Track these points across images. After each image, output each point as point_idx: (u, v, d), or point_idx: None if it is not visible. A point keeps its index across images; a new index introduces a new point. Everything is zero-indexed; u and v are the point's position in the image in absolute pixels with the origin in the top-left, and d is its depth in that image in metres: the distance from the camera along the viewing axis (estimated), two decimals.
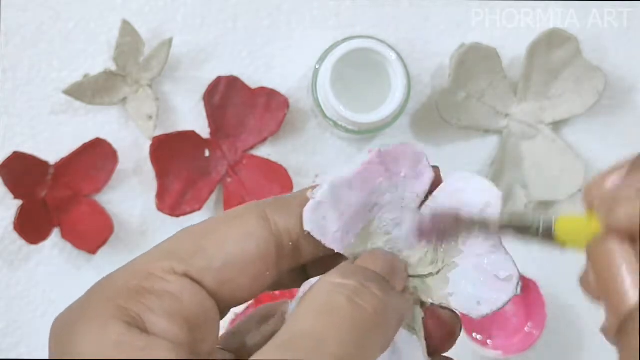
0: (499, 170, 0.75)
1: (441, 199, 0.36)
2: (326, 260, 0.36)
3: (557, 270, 0.76)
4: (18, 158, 0.71)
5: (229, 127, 0.74)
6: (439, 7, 0.75)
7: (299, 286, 0.35)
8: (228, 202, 0.74)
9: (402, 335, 0.35)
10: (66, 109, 0.74)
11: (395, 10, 0.75)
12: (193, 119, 0.75)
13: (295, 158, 0.75)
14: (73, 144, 0.73)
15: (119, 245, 0.74)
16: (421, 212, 0.36)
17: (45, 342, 0.32)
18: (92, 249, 0.73)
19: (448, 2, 0.75)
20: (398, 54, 0.69)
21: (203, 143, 0.74)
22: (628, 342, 0.30)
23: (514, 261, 0.36)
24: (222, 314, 0.33)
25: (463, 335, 0.73)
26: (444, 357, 0.37)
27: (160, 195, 0.73)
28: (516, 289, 0.36)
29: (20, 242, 0.72)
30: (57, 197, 0.73)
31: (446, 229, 0.35)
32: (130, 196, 0.75)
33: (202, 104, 0.74)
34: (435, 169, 0.36)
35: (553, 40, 0.72)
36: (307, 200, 0.34)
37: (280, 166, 0.74)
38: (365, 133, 0.71)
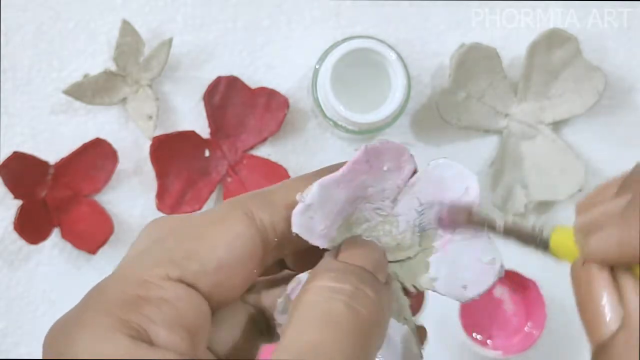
0: (499, 170, 0.75)
1: (423, 186, 0.36)
2: (305, 250, 0.36)
3: (557, 270, 0.76)
4: (18, 158, 0.71)
5: (229, 127, 0.74)
6: (439, 7, 0.75)
7: (273, 274, 0.35)
8: None
9: (393, 325, 0.36)
10: (66, 109, 0.74)
11: (395, 10, 0.75)
12: (193, 119, 0.75)
13: (295, 158, 0.75)
14: (73, 144, 0.73)
15: (119, 245, 0.74)
16: (439, 204, 0.36)
17: None
18: (92, 249, 0.73)
19: (448, 2, 0.75)
20: (398, 54, 0.69)
21: (203, 143, 0.74)
22: None
23: (495, 245, 0.36)
24: (217, 310, 0.33)
25: (463, 335, 0.73)
26: (419, 326, 0.37)
27: (160, 195, 0.73)
28: (500, 272, 0.37)
29: (20, 242, 0.72)
30: (57, 197, 0.73)
31: (459, 222, 0.36)
32: (130, 196, 0.75)
33: (202, 104, 0.74)
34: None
35: (553, 40, 0.72)
36: (290, 194, 0.34)
37: (280, 166, 0.74)
38: (365, 133, 0.71)
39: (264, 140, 0.75)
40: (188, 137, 0.73)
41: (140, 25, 0.73)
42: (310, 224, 0.34)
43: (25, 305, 0.75)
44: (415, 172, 0.36)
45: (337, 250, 0.35)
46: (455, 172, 0.36)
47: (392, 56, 0.69)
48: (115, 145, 0.73)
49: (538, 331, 0.73)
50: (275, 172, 0.74)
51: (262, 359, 0.37)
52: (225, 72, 0.73)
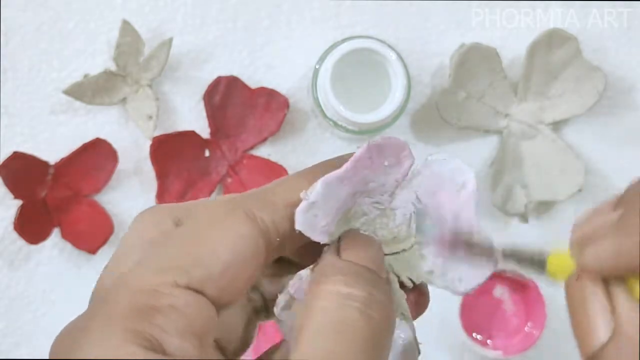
0: (499, 171, 0.75)
1: (421, 180, 0.36)
2: (302, 245, 0.36)
3: None
4: (18, 158, 0.71)
5: (229, 127, 0.74)
6: (439, 7, 0.75)
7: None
8: None
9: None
10: (66, 109, 0.74)
11: (395, 10, 0.75)
12: (193, 119, 0.75)
13: (295, 158, 0.75)
14: (73, 144, 0.73)
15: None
16: (441, 222, 0.37)
17: (45, 342, 0.32)
18: (92, 249, 0.73)
19: (448, 2, 0.75)
20: (398, 54, 0.69)
21: (203, 143, 0.74)
22: None
23: (490, 238, 0.36)
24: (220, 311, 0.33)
25: (463, 335, 0.73)
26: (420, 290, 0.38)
27: (160, 195, 0.73)
28: (495, 264, 0.36)
29: (20, 242, 0.72)
30: (57, 197, 0.73)
31: (458, 245, 0.36)
32: (130, 196, 0.75)
33: (202, 104, 0.74)
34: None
35: (553, 40, 0.72)
36: (291, 193, 0.34)
37: (280, 166, 0.74)
38: (365, 133, 0.71)
39: (264, 140, 0.75)
40: (188, 137, 0.73)
41: (140, 25, 0.73)
42: (314, 221, 0.34)
43: (25, 305, 0.75)
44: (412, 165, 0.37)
45: (337, 245, 0.35)
46: (452, 166, 0.36)
47: (392, 56, 0.69)
48: (115, 145, 0.73)
49: (538, 331, 0.73)
50: (275, 172, 0.74)
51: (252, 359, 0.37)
52: (225, 72, 0.73)
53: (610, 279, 0.32)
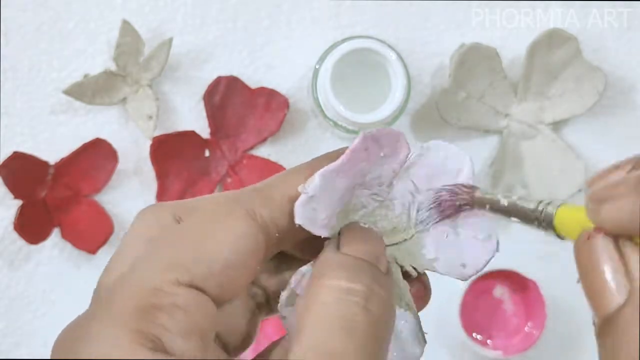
0: (499, 171, 0.75)
1: (417, 168, 0.36)
2: (303, 240, 0.36)
3: (557, 270, 0.76)
4: (18, 158, 0.71)
5: (229, 127, 0.74)
6: (439, 7, 0.75)
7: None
8: None
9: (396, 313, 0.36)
10: (66, 109, 0.74)
11: (395, 10, 0.75)
12: (193, 119, 0.75)
13: (295, 158, 0.75)
14: (73, 144, 0.73)
15: None
16: (437, 188, 0.36)
17: (45, 342, 0.32)
18: (92, 249, 0.73)
19: (448, 2, 0.75)
20: (398, 54, 0.69)
21: (203, 143, 0.74)
22: (605, 344, 0.31)
23: (489, 221, 0.36)
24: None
25: (463, 335, 0.73)
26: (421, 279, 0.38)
27: (160, 195, 0.73)
28: (496, 248, 0.37)
29: (20, 242, 0.72)
30: (57, 197, 0.73)
31: (462, 204, 0.36)
32: (130, 196, 0.75)
33: (202, 104, 0.74)
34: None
35: (553, 40, 0.72)
36: (289, 188, 0.34)
37: (280, 166, 0.74)
38: None
39: (264, 140, 0.75)
40: (188, 137, 0.73)
41: (140, 25, 0.73)
42: (313, 215, 0.34)
43: (25, 305, 0.75)
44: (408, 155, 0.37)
45: (337, 239, 0.35)
46: (449, 153, 0.36)
47: (392, 56, 0.69)
48: (115, 145, 0.73)
49: (538, 331, 0.73)
50: (275, 172, 0.73)
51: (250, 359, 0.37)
52: (225, 72, 0.73)
53: (621, 239, 0.31)
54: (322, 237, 0.35)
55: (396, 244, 0.37)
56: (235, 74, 0.73)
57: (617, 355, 0.30)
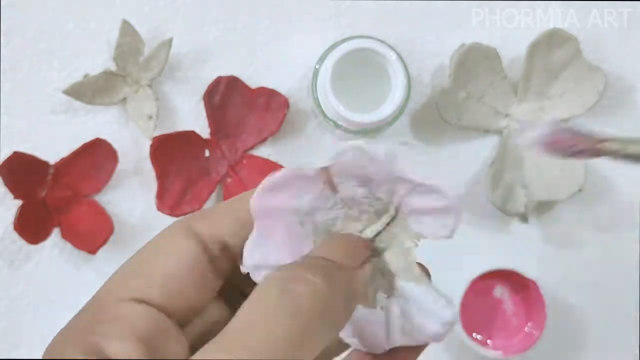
0: (499, 171, 0.75)
1: (344, 165, 0.38)
2: None
3: (557, 270, 0.76)
4: (18, 158, 0.71)
5: (229, 127, 0.74)
6: (439, 7, 0.75)
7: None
8: None
9: (408, 288, 0.36)
10: (66, 109, 0.74)
11: (395, 10, 0.75)
12: (193, 119, 0.75)
13: (295, 158, 0.75)
14: (73, 144, 0.73)
15: (119, 245, 0.74)
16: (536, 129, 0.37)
17: (45, 342, 0.32)
18: (92, 249, 0.73)
19: (448, 2, 0.75)
20: (398, 54, 0.69)
21: (203, 143, 0.74)
22: None
23: (439, 187, 0.36)
24: (187, 322, 0.35)
25: (463, 335, 0.73)
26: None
27: (160, 195, 0.73)
28: (459, 202, 0.37)
29: (20, 242, 0.72)
30: (57, 197, 0.73)
31: (568, 143, 0.36)
32: (130, 196, 0.75)
33: (202, 104, 0.74)
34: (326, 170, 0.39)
35: (553, 40, 0.72)
36: (230, 204, 0.36)
37: (280, 166, 0.74)
38: (366, 133, 0.71)
39: (264, 140, 0.75)
40: (188, 137, 0.73)
41: (140, 25, 0.73)
42: (262, 259, 0.35)
43: (25, 305, 0.75)
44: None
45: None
46: (356, 144, 0.37)
47: (392, 56, 0.69)
48: (115, 145, 0.73)
49: (538, 331, 0.73)
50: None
51: None
52: (225, 72, 0.73)
53: None
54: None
55: (381, 232, 0.37)
56: (235, 74, 0.73)
57: None
